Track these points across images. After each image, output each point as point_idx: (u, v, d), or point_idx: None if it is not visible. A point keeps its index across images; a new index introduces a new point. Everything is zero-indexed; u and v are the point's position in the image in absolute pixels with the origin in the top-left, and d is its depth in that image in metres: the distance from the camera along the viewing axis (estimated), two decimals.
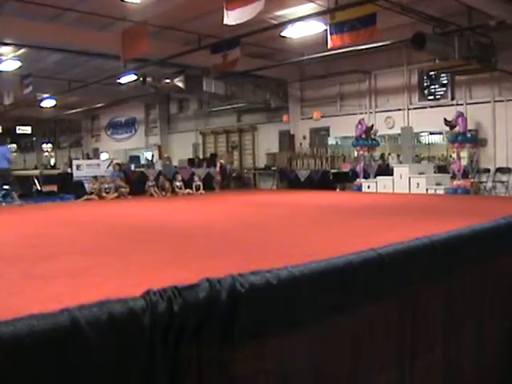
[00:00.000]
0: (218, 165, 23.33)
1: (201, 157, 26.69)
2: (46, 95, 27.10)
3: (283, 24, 15.63)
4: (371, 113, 21.59)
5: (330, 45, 14.16)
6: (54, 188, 20.90)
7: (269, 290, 1.90)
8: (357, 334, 3.00)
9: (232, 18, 12.40)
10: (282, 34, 16.83)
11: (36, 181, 21.03)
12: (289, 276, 2.08)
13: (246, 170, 26.44)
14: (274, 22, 15.86)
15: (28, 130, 36.42)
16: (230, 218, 11.33)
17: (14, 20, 15.67)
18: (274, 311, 2.04)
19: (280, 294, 2.01)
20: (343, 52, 17.73)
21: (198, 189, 20.30)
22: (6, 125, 34.52)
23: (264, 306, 1.91)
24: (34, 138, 40.14)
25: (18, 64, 20.56)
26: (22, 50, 19.26)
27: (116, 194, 18.72)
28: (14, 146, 28.33)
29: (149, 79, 20.11)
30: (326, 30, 14.27)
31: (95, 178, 18.96)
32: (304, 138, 24.07)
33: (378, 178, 19.31)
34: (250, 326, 1.86)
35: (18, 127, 35.56)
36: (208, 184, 21.30)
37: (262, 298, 1.84)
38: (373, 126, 20.34)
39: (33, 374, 1.07)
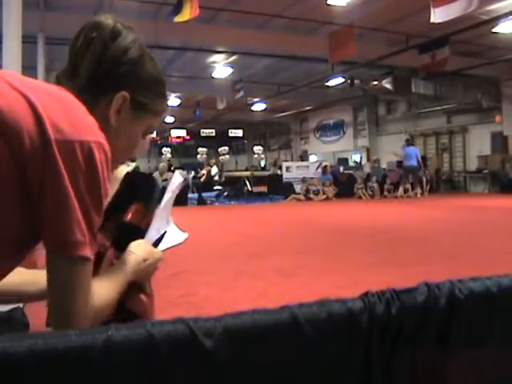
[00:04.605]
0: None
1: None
2: (256, 99, 28.05)
3: (495, 19, 14.80)
4: None
5: None
6: (264, 189, 21.60)
7: (488, 297, 1.81)
8: None
9: (439, 15, 11.98)
10: (494, 30, 15.97)
11: (247, 182, 21.87)
12: (510, 284, 1.97)
13: (455, 174, 25.56)
14: (485, 18, 15.05)
15: (239, 133, 38.10)
16: (444, 224, 11.02)
17: (226, 29, 16.54)
18: (493, 320, 1.95)
19: (500, 303, 1.91)
20: None
21: (406, 191, 19.99)
22: (219, 128, 36.42)
23: (483, 314, 1.83)
24: (245, 141, 41.86)
25: (229, 70, 21.63)
26: (234, 57, 20.14)
27: (324, 196, 19.01)
28: (226, 148, 29.73)
29: (356, 81, 20.12)
30: None
31: (303, 179, 19.44)
32: None
33: None
34: (467, 334, 1.79)
35: (230, 130, 37.33)
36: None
37: (481, 306, 1.76)
38: None
39: (256, 362, 1.12)
